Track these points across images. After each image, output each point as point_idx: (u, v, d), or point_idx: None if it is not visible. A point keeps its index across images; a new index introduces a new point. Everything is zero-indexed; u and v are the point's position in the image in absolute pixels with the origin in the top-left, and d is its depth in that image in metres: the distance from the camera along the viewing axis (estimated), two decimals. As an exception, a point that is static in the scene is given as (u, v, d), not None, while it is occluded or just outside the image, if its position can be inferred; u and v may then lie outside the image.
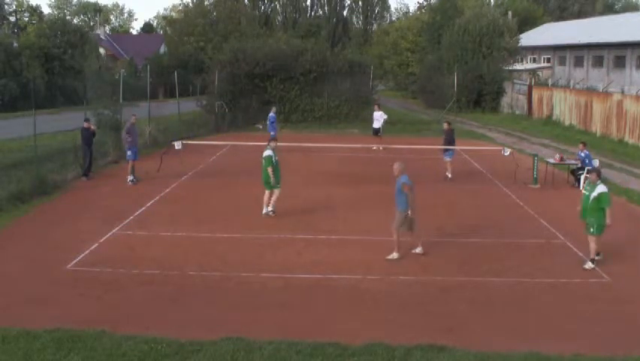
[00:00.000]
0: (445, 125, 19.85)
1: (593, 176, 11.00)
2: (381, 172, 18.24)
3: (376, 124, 24.77)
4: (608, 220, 10.80)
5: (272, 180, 14.03)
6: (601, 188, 10.77)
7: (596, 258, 10.98)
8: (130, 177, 17.82)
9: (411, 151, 23.32)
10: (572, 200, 16.65)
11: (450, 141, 19.38)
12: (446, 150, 19.24)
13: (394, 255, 11.32)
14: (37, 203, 15.40)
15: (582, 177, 17.73)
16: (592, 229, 10.86)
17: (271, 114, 25.39)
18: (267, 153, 14.13)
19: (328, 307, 9.20)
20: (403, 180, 11.22)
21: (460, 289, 10.00)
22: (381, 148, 24.16)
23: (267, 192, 14.23)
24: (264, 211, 14.22)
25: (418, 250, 11.61)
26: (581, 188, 17.53)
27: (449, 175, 19.13)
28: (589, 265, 10.89)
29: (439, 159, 20.80)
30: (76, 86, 43.79)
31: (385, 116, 25.00)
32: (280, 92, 32.66)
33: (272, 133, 23.15)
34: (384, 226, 13.56)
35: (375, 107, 25.69)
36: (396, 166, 11.44)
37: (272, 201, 14.24)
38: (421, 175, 19.64)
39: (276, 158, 14.28)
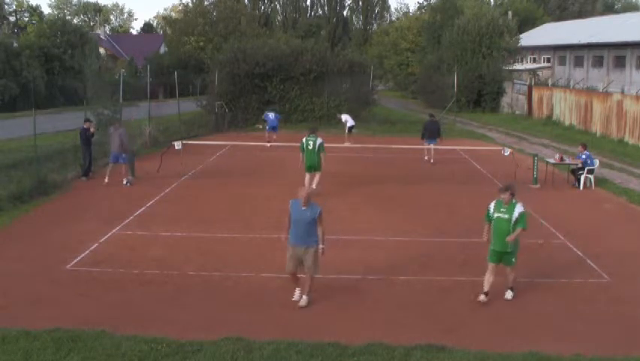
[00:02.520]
0: (429, 117, 23.19)
1: (507, 195, 9.14)
2: (381, 172, 18.29)
3: (350, 122, 26.54)
4: (511, 236, 9.09)
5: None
6: (520, 208, 9.15)
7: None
8: (127, 179, 17.74)
9: (411, 151, 23.36)
10: (572, 200, 16.74)
11: (433, 130, 21.83)
12: (430, 138, 21.83)
13: (304, 299, 9.15)
14: (37, 203, 15.39)
15: (582, 177, 17.76)
16: (513, 259, 9.31)
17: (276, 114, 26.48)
18: (320, 140, 16.14)
19: (328, 307, 9.20)
20: (320, 210, 9.04)
21: (460, 289, 10.00)
22: (350, 143, 24.80)
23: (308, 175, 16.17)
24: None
25: (303, 301, 9.10)
26: (580, 187, 17.66)
27: (427, 158, 21.98)
28: (510, 294, 9.53)
29: (436, 158, 20.89)
30: (76, 86, 43.80)
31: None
32: (280, 92, 32.67)
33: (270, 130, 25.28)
34: (385, 226, 13.61)
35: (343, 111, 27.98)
36: (305, 193, 9.05)
37: (314, 182, 16.06)
38: (420, 175, 19.70)
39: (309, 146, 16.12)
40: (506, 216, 9.12)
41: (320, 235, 9.02)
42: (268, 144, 23.37)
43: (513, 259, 9.28)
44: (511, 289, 9.51)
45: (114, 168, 17.85)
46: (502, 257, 9.29)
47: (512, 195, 9.16)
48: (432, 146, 21.76)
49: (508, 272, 9.43)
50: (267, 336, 7.97)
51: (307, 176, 16.16)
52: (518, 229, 9.11)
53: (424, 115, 38.25)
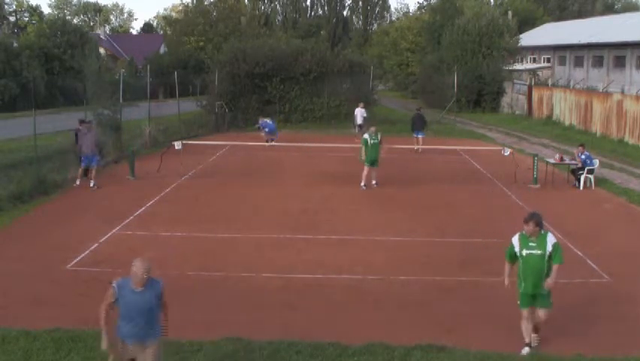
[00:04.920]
0: (415, 111, 25.52)
1: (531, 226, 7.57)
2: (381, 172, 18.24)
3: (360, 120, 26.74)
4: (551, 280, 7.65)
5: (362, 157, 17.39)
6: (552, 238, 7.65)
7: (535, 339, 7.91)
8: (79, 181, 17.31)
9: (411, 151, 23.38)
10: (573, 200, 16.74)
11: (420, 123, 24.19)
12: (418, 130, 24.13)
13: None
14: (37, 203, 15.39)
15: (582, 177, 17.75)
16: (551, 300, 7.81)
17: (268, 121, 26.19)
18: (365, 136, 17.60)
19: (328, 307, 9.20)
20: (162, 282, 6.38)
21: (460, 289, 10.00)
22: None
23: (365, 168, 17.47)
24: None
25: None
26: (580, 187, 17.65)
27: (416, 148, 23.68)
28: (526, 350, 7.82)
29: (436, 158, 20.86)
30: (76, 86, 43.76)
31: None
32: (280, 92, 32.67)
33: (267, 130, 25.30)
34: (385, 226, 13.61)
35: (361, 104, 27.64)
36: (142, 269, 6.09)
37: (363, 177, 17.32)
38: (420, 175, 19.70)
39: (373, 141, 17.27)
40: (539, 251, 7.57)
41: (165, 320, 6.51)
42: (267, 144, 23.46)
43: (551, 300, 7.79)
44: (529, 345, 7.85)
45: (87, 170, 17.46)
46: (536, 299, 7.78)
47: (538, 225, 7.61)
48: (420, 137, 24.04)
49: (542, 316, 7.82)
50: (267, 336, 7.97)
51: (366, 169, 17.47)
52: (555, 268, 7.64)
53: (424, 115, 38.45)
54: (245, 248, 11.98)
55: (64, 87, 46.22)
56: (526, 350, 7.78)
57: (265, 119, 26.25)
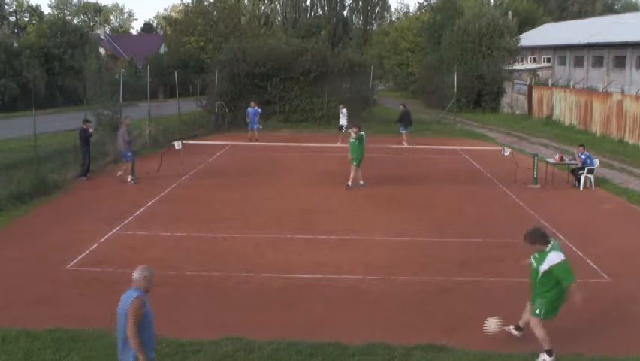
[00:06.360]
0: (401, 107, 26.67)
1: (527, 244, 7.56)
2: (380, 172, 18.29)
3: (343, 120, 26.57)
4: (577, 297, 7.44)
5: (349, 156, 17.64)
6: (553, 257, 7.37)
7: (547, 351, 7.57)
8: (130, 177, 17.90)
9: (410, 151, 23.36)
10: (572, 200, 16.74)
11: (405, 119, 25.78)
12: (403, 125, 25.73)
13: None
14: (37, 203, 15.39)
15: (582, 177, 17.75)
16: (537, 310, 7.59)
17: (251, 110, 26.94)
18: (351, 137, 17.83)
19: (328, 307, 9.20)
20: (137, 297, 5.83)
21: (460, 289, 10.00)
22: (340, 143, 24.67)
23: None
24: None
25: None
26: (580, 187, 17.65)
27: (404, 145, 24.28)
28: (544, 358, 7.58)
29: (436, 158, 20.82)
30: (77, 86, 43.71)
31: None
32: (280, 92, 32.66)
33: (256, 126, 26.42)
34: (385, 226, 13.61)
35: (342, 105, 27.61)
36: (145, 273, 5.95)
37: (350, 177, 17.42)
38: (420, 175, 19.70)
39: (351, 140, 17.51)
40: (534, 264, 7.55)
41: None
42: (258, 143, 23.78)
43: (537, 311, 7.61)
44: (549, 352, 7.54)
45: (124, 164, 18.28)
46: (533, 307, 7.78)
47: (532, 243, 7.49)
48: (404, 132, 25.57)
49: (534, 326, 7.65)
50: (267, 336, 7.97)
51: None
52: (574, 286, 7.40)
53: (424, 115, 38.46)
54: (245, 248, 11.98)
55: (64, 87, 46.19)
56: (510, 328, 8.07)
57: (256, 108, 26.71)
